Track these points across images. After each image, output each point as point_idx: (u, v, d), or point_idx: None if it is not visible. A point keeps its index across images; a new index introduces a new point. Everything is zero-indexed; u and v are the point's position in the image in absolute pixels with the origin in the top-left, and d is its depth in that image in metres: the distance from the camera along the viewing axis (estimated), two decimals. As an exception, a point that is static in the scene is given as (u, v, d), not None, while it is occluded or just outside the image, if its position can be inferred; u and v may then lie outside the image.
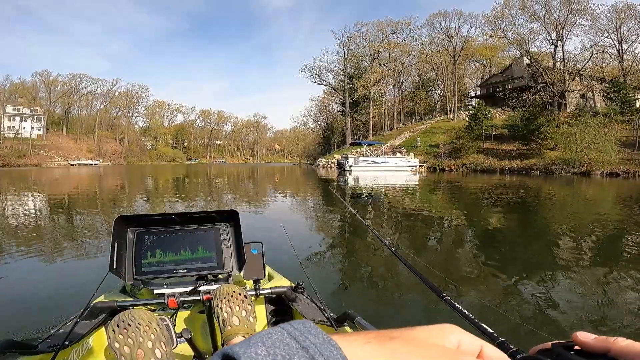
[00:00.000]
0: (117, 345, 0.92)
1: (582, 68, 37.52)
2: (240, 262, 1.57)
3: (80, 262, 4.42)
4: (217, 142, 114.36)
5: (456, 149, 36.08)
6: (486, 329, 0.62)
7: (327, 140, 74.50)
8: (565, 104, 37.65)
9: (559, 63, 39.23)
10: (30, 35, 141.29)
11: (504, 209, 9.94)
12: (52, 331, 1.34)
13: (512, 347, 0.45)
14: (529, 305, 3.05)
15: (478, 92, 57.42)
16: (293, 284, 1.78)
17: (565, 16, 38.08)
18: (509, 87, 44.26)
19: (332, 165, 42.86)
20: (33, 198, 12.42)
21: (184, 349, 1.28)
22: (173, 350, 1.02)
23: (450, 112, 52.61)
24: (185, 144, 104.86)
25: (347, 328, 1.41)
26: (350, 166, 32.17)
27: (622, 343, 0.35)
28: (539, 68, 39.07)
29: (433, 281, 0.97)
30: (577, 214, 9.35)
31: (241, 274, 1.62)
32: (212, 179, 25.38)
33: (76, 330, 1.29)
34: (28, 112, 68.19)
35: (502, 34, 43.86)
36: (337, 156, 44.62)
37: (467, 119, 41.89)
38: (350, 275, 4.00)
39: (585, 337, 0.37)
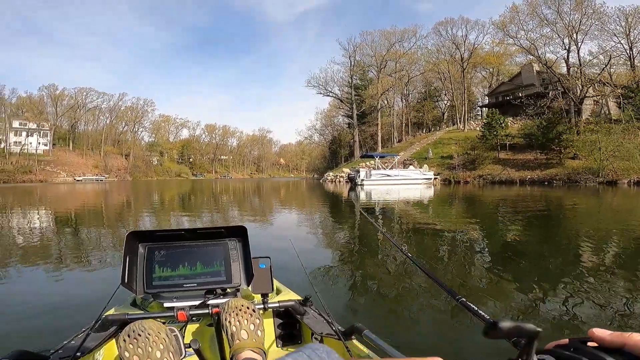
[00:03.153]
0: (126, 354, 0.97)
1: (600, 73, 36.04)
2: (249, 277, 1.61)
3: (90, 275, 4.52)
4: (222, 157, 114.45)
5: (471, 160, 34.93)
6: None
7: (333, 153, 73.89)
8: (581, 111, 36.44)
9: (573, 69, 38.05)
10: (37, 48, 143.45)
11: (528, 222, 9.68)
12: (64, 342, 1.36)
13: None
14: (550, 324, 2.87)
15: (487, 101, 56.50)
16: (301, 298, 1.77)
17: (579, 20, 36.96)
18: (521, 94, 43.10)
19: (341, 179, 41.93)
20: (39, 214, 12.54)
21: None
22: None
23: (460, 122, 51.59)
24: (191, 159, 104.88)
25: (355, 341, 1.43)
26: (362, 180, 31.13)
27: (637, 337, 0.38)
28: (554, 74, 37.77)
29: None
30: (604, 225, 8.99)
31: (249, 287, 1.63)
32: (218, 194, 24.75)
33: (87, 342, 1.32)
34: (34, 126, 68.23)
35: (512, 40, 42.74)
36: (346, 170, 43.67)
37: (479, 128, 40.88)
38: (358, 289, 3.97)
39: (601, 333, 0.40)
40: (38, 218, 11.56)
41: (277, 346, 1.77)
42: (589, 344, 0.42)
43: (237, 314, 1.23)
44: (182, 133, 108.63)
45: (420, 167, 35.32)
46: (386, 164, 37.10)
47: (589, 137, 28.40)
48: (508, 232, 8.11)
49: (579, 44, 37.72)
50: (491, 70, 58.05)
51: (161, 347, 0.98)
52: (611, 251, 5.77)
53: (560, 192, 21.13)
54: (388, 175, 31.87)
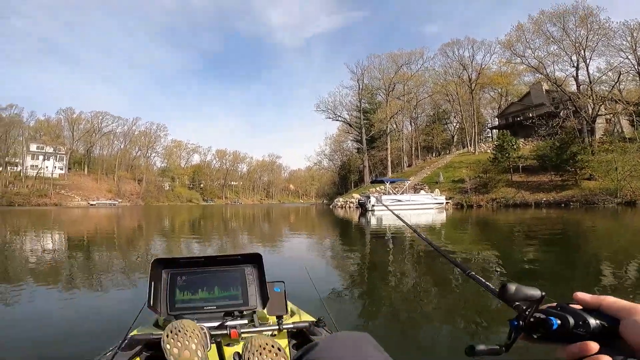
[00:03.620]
0: (168, 346, 1.15)
1: (611, 90, 35.28)
2: (264, 300, 1.71)
3: (111, 297, 4.74)
4: (232, 182, 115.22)
5: (483, 184, 34.40)
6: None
7: (343, 179, 73.58)
8: (594, 130, 35.66)
9: (583, 86, 37.40)
10: (55, 69, 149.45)
11: (545, 245, 9.62)
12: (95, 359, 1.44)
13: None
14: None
15: (497, 123, 56.16)
16: (314, 319, 1.84)
17: (586, 36, 36.57)
18: (532, 114, 42.58)
19: (351, 204, 41.41)
20: (53, 237, 12.88)
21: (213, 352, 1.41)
22: (208, 352, 1.25)
23: (470, 145, 51.24)
24: (202, 185, 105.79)
25: None
26: (373, 205, 30.63)
27: (610, 300, 0.48)
28: (564, 93, 37.31)
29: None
30: (625, 246, 8.96)
31: (265, 310, 1.74)
32: (228, 220, 24.77)
33: None
34: (51, 150, 69.79)
35: (519, 59, 42.43)
36: (356, 195, 43.28)
37: (490, 150, 40.49)
38: (369, 312, 4.07)
39: (583, 296, 0.49)
40: (53, 241, 11.77)
41: None
42: (573, 305, 0.50)
43: (260, 353, 1.22)
44: (194, 158, 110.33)
45: (432, 192, 34.80)
46: (396, 189, 36.65)
47: (605, 157, 27.90)
48: (525, 254, 8.03)
49: (588, 60, 37.21)
50: (500, 90, 57.94)
51: (195, 341, 1.17)
52: (633, 274, 5.71)
53: (578, 214, 20.70)
54: (399, 200, 31.33)
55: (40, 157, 68.75)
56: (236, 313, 1.67)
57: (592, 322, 0.47)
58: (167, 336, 1.15)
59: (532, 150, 35.84)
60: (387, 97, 58.01)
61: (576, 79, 38.34)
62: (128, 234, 15.03)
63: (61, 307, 4.24)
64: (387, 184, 36.47)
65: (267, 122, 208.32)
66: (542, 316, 0.50)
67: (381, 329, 3.53)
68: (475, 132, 51.12)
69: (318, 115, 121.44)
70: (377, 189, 40.42)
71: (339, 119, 66.16)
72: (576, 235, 12.04)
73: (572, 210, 23.55)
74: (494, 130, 56.97)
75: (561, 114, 37.71)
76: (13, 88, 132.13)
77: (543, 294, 0.50)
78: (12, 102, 79.96)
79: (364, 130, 60.39)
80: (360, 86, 61.73)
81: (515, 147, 35.54)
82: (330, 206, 47.02)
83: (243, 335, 1.60)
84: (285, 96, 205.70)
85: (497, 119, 57.07)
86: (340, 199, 46.76)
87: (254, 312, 1.72)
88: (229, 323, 1.58)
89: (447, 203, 32.55)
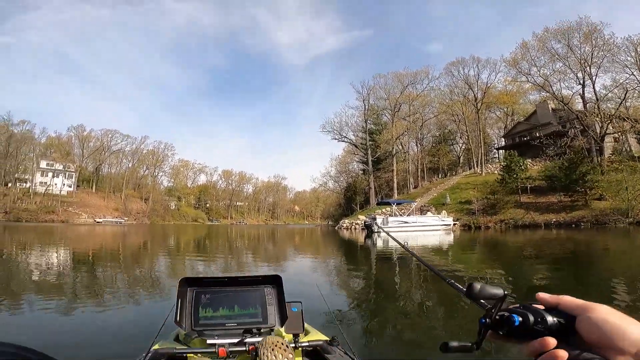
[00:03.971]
0: None
1: (618, 108, 34.51)
2: (282, 319, 1.79)
3: (130, 313, 4.98)
4: (238, 203, 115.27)
5: (491, 205, 34.03)
6: None
7: (348, 200, 73.32)
8: (603, 149, 34.98)
9: (590, 104, 36.91)
10: (67, 85, 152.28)
11: (555, 265, 9.63)
12: None
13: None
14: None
15: (503, 143, 55.86)
16: (328, 338, 1.90)
17: (591, 52, 36.15)
18: (539, 134, 42.13)
19: (357, 226, 41.08)
20: (59, 253, 13.30)
21: None
22: None
23: (477, 166, 50.83)
24: (208, 205, 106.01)
25: None
26: (379, 227, 30.11)
27: (567, 298, 0.53)
28: (571, 111, 36.85)
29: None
30: (638, 265, 9.01)
31: (282, 328, 1.80)
32: (234, 240, 24.79)
33: None
34: (61, 167, 70.58)
35: (525, 78, 42.11)
36: (362, 217, 43.01)
37: (497, 171, 40.14)
38: (378, 332, 4.16)
39: (544, 295, 0.54)
40: (58, 257, 11.99)
41: None
42: (535, 305, 0.55)
43: (272, 349, 1.39)
44: (200, 178, 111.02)
45: (439, 213, 34.40)
46: (402, 211, 36.41)
47: (614, 177, 27.56)
48: (535, 273, 8.00)
49: (594, 77, 36.69)
50: (505, 109, 57.90)
51: None
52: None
53: (589, 234, 20.41)
54: (405, 222, 31.12)
55: (50, 174, 69.57)
56: (255, 330, 1.73)
57: (550, 319, 0.51)
58: None
59: (540, 170, 35.51)
60: (393, 117, 58.35)
61: (583, 96, 37.90)
62: (137, 252, 15.21)
63: (84, 322, 4.41)
64: (394, 205, 36.29)
65: (272, 141, 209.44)
66: (506, 314, 0.54)
67: (389, 347, 3.64)
68: (481, 153, 50.81)
69: (324, 136, 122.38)
70: (383, 210, 40.12)
71: (345, 139, 66.42)
72: (588, 254, 11.93)
73: (582, 230, 23.21)
74: (501, 151, 56.60)
75: (569, 133, 37.20)
76: (25, 103, 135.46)
77: (506, 292, 0.55)
78: (24, 117, 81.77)
79: (369, 152, 60.24)
80: (366, 106, 62.18)
81: (523, 167, 35.24)
82: (336, 227, 46.80)
83: None
84: (291, 115, 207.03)
85: (503, 139, 56.89)
86: (346, 221, 46.48)
87: (272, 329, 1.79)
88: (248, 340, 1.65)
89: (454, 224, 32.11)
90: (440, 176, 61.12)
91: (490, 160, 57.79)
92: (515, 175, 34.26)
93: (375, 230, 30.01)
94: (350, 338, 2.21)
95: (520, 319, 0.52)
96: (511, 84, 49.61)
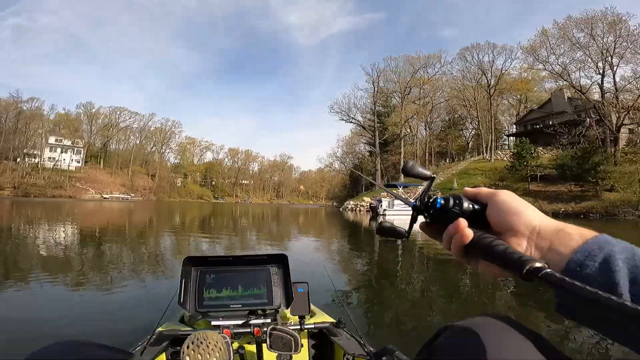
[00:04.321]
0: (187, 358, 1.13)
1: (637, 99, 33.27)
2: (288, 300, 1.74)
3: (136, 293, 4.90)
4: (244, 181, 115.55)
5: (499, 191, 33.71)
6: None
7: (354, 182, 73.37)
8: (618, 140, 34.06)
9: (609, 95, 35.94)
10: (77, 65, 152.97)
11: None
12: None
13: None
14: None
15: (515, 130, 54.80)
16: (334, 320, 1.89)
17: (614, 42, 35.06)
18: (552, 122, 41.26)
19: (362, 208, 41.11)
20: (65, 229, 13.17)
21: None
22: None
23: (486, 152, 50.07)
24: (213, 182, 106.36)
25: None
26: (385, 210, 30.58)
27: (483, 189, 0.57)
28: (589, 101, 35.90)
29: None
30: None
31: (288, 310, 1.77)
32: (239, 218, 24.88)
33: (144, 356, 1.42)
34: (69, 143, 70.87)
35: (542, 65, 40.99)
36: (367, 199, 43.00)
37: (507, 158, 39.47)
38: (386, 313, 4.10)
39: (468, 189, 0.58)
40: (65, 234, 11.97)
41: None
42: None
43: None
44: (206, 156, 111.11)
45: (446, 198, 34.25)
46: (409, 194, 36.23)
47: (628, 168, 27.04)
48: None
49: (615, 67, 35.59)
50: (519, 97, 56.66)
51: (217, 355, 1.15)
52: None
53: (597, 225, 20.00)
54: None
55: (58, 150, 69.93)
56: (260, 312, 1.70)
57: (466, 204, 0.55)
58: (188, 347, 1.14)
59: (552, 159, 34.84)
60: (402, 100, 57.38)
61: (601, 86, 36.86)
62: (144, 229, 15.22)
63: (90, 302, 4.33)
64: (400, 188, 36.16)
65: (280, 121, 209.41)
66: (433, 197, 0.60)
67: (396, 328, 3.64)
68: (491, 139, 49.74)
69: (331, 117, 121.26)
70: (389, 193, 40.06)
71: (353, 121, 65.77)
72: None
73: (591, 221, 22.86)
74: (511, 138, 55.59)
75: (584, 122, 36.35)
76: (36, 81, 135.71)
77: (434, 175, 0.62)
78: (33, 94, 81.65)
79: (377, 134, 59.66)
80: (375, 89, 61.16)
81: (534, 155, 34.61)
82: (341, 209, 46.72)
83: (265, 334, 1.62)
84: (300, 96, 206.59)
85: (514, 126, 55.74)
86: (351, 202, 46.39)
87: (277, 311, 1.75)
88: (252, 321, 1.62)
89: None
90: (448, 161, 60.42)
91: (500, 147, 56.68)
92: (525, 163, 33.71)
93: (381, 213, 30.13)
94: (358, 320, 2.16)
95: (442, 202, 0.57)
96: (527, 72, 48.24)
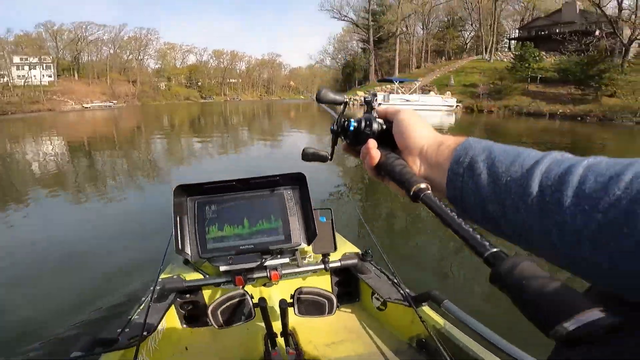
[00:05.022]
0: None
1: None
2: (310, 234, 1.45)
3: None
4: (231, 80, 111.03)
5: (497, 90, 32.22)
6: None
7: (347, 77, 71.06)
8: (628, 51, 32.16)
9: (626, 11, 33.40)
10: None
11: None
12: (129, 318, 1.34)
13: None
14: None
15: (517, 35, 51.37)
16: (360, 251, 1.66)
17: None
18: (558, 30, 39.09)
19: (355, 102, 40.55)
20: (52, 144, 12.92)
21: (257, 317, 1.22)
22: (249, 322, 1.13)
23: (486, 53, 47.56)
24: (199, 83, 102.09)
25: (425, 309, 1.32)
26: (379, 104, 29.75)
27: (391, 107, 0.58)
28: (606, 16, 32.83)
29: None
30: None
31: (310, 247, 1.50)
32: (229, 117, 24.43)
33: (150, 316, 1.30)
34: (36, 60, 66.01)
35: None
36: (361, 93, 42.01)
37: (509, 59, 37.49)
38: (422, 245, 3.34)
39: (379, 107, 0.59)
40: (53, 149, 11.47)
41: None
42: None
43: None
44: (189, 59, 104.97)
45: (442, 94, 33.18)
46: (404, 89, 35.37)
47: (635, 77, 26.17)
48: None
49: None
50: (525, 4, 52.53)
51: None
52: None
53: (592, 129, 19.87)
54: (407, 101, 30.44)
55: (26, 67, 65.21)
56: (276, 252, 1.44)
57: (375, 125, 0.56)
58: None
59: (555, 64, 33.10)
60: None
61: (620, 2, 33.61)
62: (132, 136, 14.61)
63: (82, 237, 4.11)
64: (396, 83, 35.10)
65: (267, 21, 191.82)
66: (347, 121, 0.60)
67: (433, 264, 3.12)
68: (492, 41, 47.15)
69: (322, 14, 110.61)
70: (384, 87, 38.85)
71: (345, 19, 61.73)
72: (584, 149, 11.75)
73: (587, 124, 22.58)
74: (513, 42, 52.36)
75: (596, 33, 34.02)
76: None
77: (346, 99, 0.63)
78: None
79: (371, 31, 56.50)
80: (371, -16, 55.85)
81: (537, 58, 32.88)
82: None
83: (285, 277, 1.44)
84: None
85: (518, 31, 52.29)
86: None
87: (296, 250, 1.48)
88: (268, 263, 1.41)
89: (456, 107, 31.37)
90: (444, 59, 57.37)
91: (500, 49, 53.35)
92: (527, 65, 32.17)
93: (375, 107, 29.70)
94: (387, 250, 1.80)
95: (355, 124, 0.58)
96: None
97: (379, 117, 0.57)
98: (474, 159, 0.41)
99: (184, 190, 1.43)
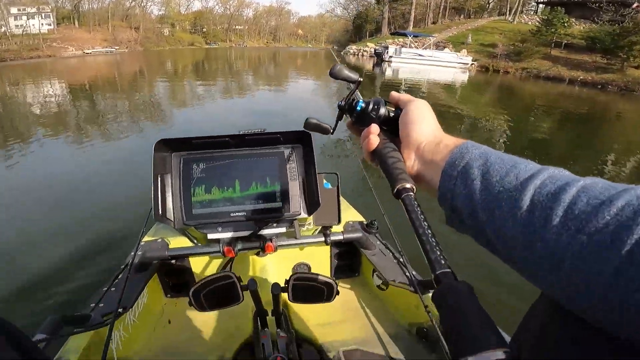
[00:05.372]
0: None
1: None
2: (312, 204, 1.26)
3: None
4: (237, 27, 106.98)
5: (517, 52, 30.44)
6: None
7: (358, 28, 68.43)
8: None
9: None
10: None
11: (563, 122, 9.18)
12: (104, 290, 1.19)
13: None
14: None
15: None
16: (364, 220, 1.51)
17: None
18: None
19: (365, 53, 39.43)
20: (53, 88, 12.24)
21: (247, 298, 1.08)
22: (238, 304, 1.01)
23: (509, 14, 44.67)
24: (204, 29, 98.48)
25: (430, 296, 1.16)
26: (390, 57, 28.94)
27: (404, 95, 0.56)
28: None
29: None
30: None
31: (311, 217, 1.34)
32: (233, 63, 23.82)
33: (128, 289, 1.14)
34: (34, 10, 63.17)
35: None
36: (371, 44, 40.97)
37: (534, 22, 35.31)
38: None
39: (394, 93, 0.57)
40: (54, 93, 11.18)
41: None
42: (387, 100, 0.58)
43: None
44: (194, 5, 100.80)
45: (458, 52, 31.68)
46: (417, 44, 34.16)
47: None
48: (537, 129, 7.64)
49: None
50: None
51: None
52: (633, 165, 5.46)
53: (612, 98, 18.93)
54: (420, 55, 29.35)
55: (24, 17, 62.41)
56: (271, 221, 1.29)
57: (383, 110, 0.55)
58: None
59: (585, 31, 31.05)
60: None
61: None
62: (135, 81, 14.28)
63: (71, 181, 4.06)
64: (410, 37, 33.75)
65: None
66: (356, 100, 0.59)
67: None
68: (519, 3, 44.10)
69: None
70: (396, 40, 37.58)
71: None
72: (599, 118, 11.38)
73: (607, 92, 21.50)
74: (541, 6, 48.51)
75: (634, 5, 31.63)
76: None
77: (360, 79, 0.59)
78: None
79: (386, -19, 52.79)
80: None
81: (566, 24, 30.78)
82: (342, 52, 44.68)
83: (280, 248, 1.29)
84: None
85: None
86: (354, 47, 44.33)
87: (294, 220, 1.32)
88: (263, 232, 1.27)
89: (472, 65, 30.08)
90: (463, 17, 54.16)
91: (526, 12, 49.98)
92: (554, 30, 30.14)
93: (386, 59, 28.85)
94: (393, 221, 1.50)
95: (363, 105, 0.57)
96: None
97: (390, 103, 0.56)
98: (470, 164, 0.40)
99: (167, 145, 1.22)
